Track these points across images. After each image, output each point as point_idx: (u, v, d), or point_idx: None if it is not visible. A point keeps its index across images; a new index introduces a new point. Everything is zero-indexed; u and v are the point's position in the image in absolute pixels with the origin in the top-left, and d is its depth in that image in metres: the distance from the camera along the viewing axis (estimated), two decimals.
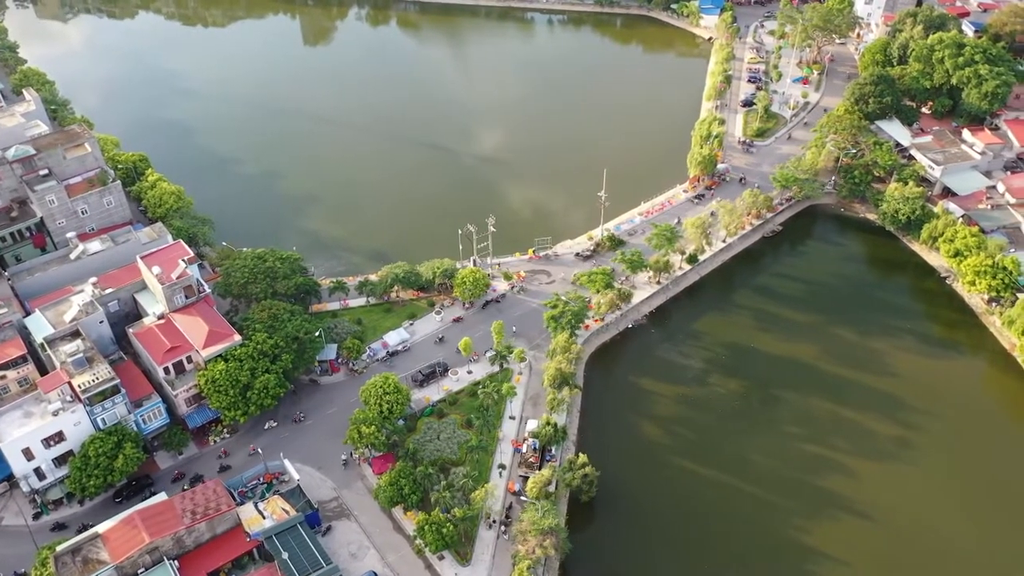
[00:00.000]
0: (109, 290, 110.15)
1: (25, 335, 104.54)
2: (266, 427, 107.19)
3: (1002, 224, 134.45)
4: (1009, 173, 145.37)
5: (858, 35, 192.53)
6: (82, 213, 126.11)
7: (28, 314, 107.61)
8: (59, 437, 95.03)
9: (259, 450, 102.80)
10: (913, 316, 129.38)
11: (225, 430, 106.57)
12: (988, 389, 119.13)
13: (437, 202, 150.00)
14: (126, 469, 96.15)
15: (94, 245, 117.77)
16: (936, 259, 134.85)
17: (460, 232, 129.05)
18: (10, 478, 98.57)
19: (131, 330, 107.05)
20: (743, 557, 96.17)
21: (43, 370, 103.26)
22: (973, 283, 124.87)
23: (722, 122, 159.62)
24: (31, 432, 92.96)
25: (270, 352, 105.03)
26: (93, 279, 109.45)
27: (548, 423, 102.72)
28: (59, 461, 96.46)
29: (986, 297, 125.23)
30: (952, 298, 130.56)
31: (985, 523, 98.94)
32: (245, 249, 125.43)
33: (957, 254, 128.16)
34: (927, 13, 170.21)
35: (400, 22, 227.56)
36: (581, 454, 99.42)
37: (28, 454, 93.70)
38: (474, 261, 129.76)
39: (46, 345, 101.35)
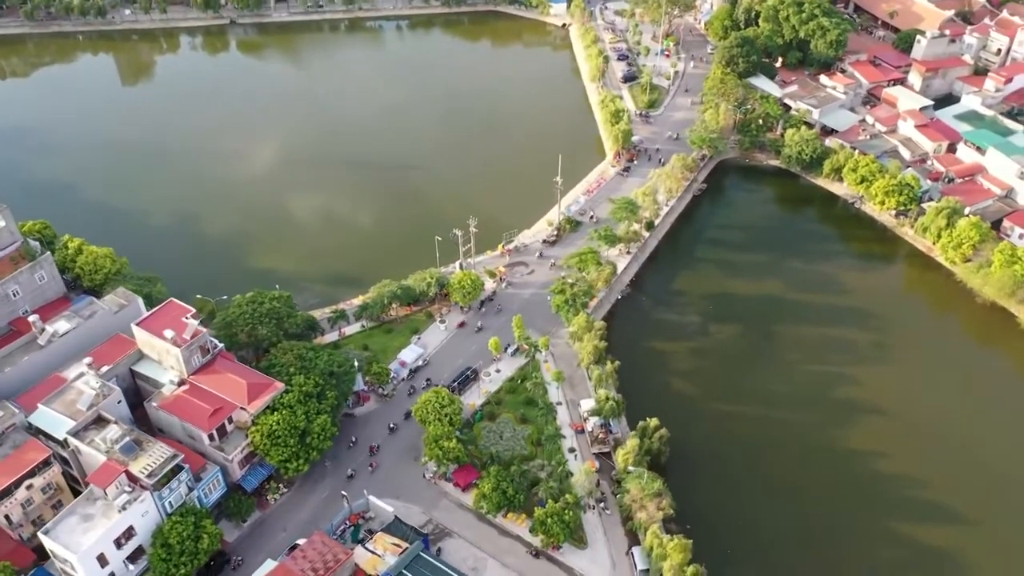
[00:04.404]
0: (105, 368, 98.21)
1: (33, 434, 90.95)
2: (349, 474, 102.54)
3: (883, 150, 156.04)
4: (869, 107, 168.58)
5: (695, 6, 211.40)
6: (14, 295, 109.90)
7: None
8: (129, 533, 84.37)
9: (344, 492, 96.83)
10: (840, 240, 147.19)
11: (282, 485, 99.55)
12: (921, 285, 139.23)
13: (377, 218, 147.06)
14: (210, 548, 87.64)
15: (61, 325, 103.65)
16: (839, 188, 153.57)
17: (438, 240, 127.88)
18: None
19: (154, 403, 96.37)
20: (803, 471, 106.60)
21: (66, 471, 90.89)
22: (883, 202, 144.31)
23: (620, 99, 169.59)
24: (103, 536, 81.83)
25: (314, 392, 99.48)
26: (87, 359, 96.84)
27: (607, 398, 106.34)
28: (130, 560, 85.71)
29: (894, 212, 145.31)
30: (861, 219, 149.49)
31: (956, 395, 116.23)
32: (224, 297, 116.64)
33: (863, 180, 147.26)
34: None
35: (241, 47, 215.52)
36: (651, 418, 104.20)
37: (103, 560, 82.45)
38: (461, 265, 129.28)
39: (69, 440, 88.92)
